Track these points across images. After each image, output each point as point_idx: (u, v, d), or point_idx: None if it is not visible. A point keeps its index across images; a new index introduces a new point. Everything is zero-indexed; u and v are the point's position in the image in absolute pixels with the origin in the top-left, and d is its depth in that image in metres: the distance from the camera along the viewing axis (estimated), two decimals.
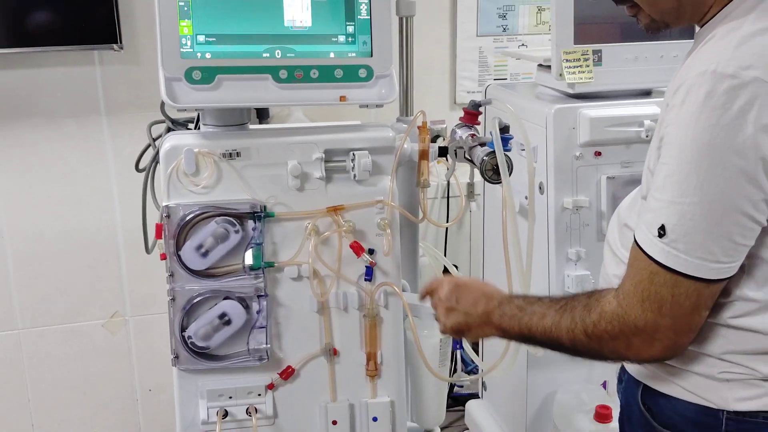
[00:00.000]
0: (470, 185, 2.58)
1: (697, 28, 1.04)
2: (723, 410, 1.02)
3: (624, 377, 1.18)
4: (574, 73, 1.77)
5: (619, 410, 1.22)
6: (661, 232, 0.94)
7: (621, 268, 1.07)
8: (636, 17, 1.08)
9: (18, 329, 2.32)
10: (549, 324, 1.09)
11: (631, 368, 1.14)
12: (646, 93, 1.84)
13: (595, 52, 1.77)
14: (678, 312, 0.96)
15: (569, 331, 1.06)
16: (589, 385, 2.01)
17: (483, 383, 2.37)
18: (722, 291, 0.99)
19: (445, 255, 2.51)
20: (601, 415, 1.86)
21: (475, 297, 1.22)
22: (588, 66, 1.78)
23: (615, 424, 1.84)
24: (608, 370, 2.00)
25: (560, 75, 1.77)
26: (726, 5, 0.98)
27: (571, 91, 1.79)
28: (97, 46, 2.11)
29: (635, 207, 1.12)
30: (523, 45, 2.58)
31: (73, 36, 2.08)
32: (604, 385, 1.99)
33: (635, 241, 0.99)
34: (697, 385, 1.04)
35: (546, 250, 1.79)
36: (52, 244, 2.27)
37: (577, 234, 1.79)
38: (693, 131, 0.90)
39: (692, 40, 1.06)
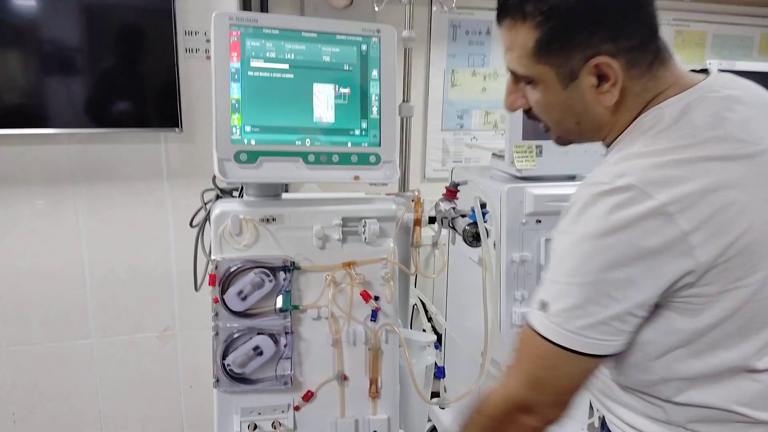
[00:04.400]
0: (434, 237, 2.39)
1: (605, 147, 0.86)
2: None
3: (604, 429, 0.95)
4: (522, 161, 1.63)
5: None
6: (544, 306, 0.73)
7: None
8: (548, 132, 0.89)
9: (92, 338, 2.06)
10: None
11: (610, 425, 0.91)
12: (572, 177, 1.69)
13: (537, 146, 1.63)
14: (559, 388, 0.74)
15: None
16: None
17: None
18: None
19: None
20: None
21: None
22: (532, 156, 1.64)
23: None
24: None
25: (512, 162, 1.63)
26: (621, 132, 0.81)
27: (518, 174, 1.64)
28: (162, 129, 1.91)
29: None
30: (474, 138, 2.44)
31: (145, 121, 1.88)
32: None
33: (527, 320, 0.75)
34: None
35: (498, 292, 1.61)
36: (121, 275, 2.03)
37: (522, 281, 1.62)
38: (575, 229, 0.74)
39: None
